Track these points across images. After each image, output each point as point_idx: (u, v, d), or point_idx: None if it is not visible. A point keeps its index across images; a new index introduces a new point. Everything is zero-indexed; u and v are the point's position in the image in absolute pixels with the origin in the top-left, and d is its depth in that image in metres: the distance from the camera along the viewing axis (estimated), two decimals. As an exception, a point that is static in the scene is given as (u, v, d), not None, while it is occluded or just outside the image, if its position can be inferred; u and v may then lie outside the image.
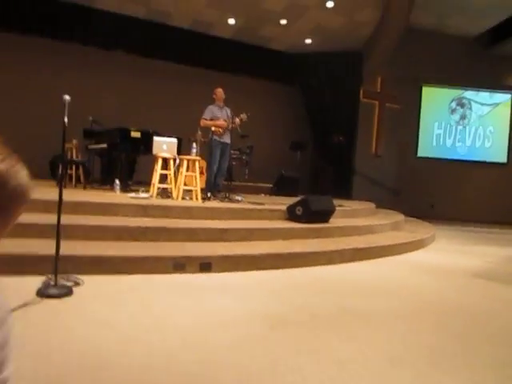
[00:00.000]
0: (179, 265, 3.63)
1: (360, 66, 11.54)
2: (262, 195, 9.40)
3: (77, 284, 3.10)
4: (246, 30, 10.57)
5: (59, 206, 3.07)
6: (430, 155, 12.82)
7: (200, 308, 2.86)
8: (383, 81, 12.06)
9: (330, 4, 9.46)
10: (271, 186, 9.72)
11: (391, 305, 3.24)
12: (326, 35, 10.74)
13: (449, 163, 12.82)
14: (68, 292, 2.88)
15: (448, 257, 5.75)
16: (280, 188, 9.47)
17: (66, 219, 3.42)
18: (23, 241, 3.62)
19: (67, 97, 2.82)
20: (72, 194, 4.81)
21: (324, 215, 5.68)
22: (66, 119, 2.80)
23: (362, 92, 11.79)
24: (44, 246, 3.47)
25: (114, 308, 2.74)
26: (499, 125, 12.91)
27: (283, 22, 10.23)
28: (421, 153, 12.83)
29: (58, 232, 3.02)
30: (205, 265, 3.74)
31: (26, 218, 3.81)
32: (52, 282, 2.91)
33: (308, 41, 11.16)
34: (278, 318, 2.76)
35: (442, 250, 6.39)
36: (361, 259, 4.86)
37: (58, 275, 2.95)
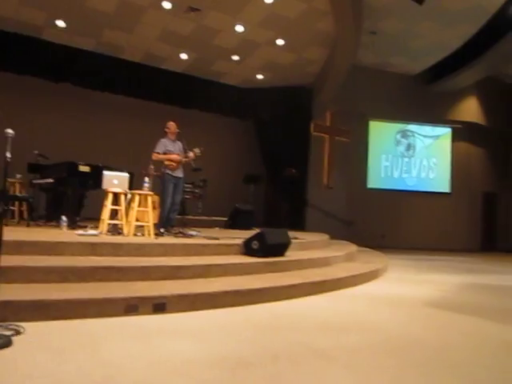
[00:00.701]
0: (131, 306, 3.42)
1: (310, 100, 11.91)
2: (217, 229, 9.28)
3: (17, 333, 2.82)
4: (198, 65, 10.66)
5: (-2, 247, 2.83)
6: (379, 186, 13.26)
7: (154, 353, 2.68)
8: (332, 115, 12.47)
9: (280, 42, 9.76)
10: (225, 219, 9.61)
11: (352, 341, 3.19)
12: (276, 71, 11.05)
13: (397, 194, 13.30)
14: (6, 342, 2.61)
15: (402, 287, 5.83)
16: (234, 221, 9.38)
17: (7, 260, 3.17)
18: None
19: (10, 130, 2.65)
20: (14, 233, 4.49)
21: (280, 248, 5.64)
22: (8, 154, 2.61)
23: (312, 126, 12.12)
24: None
25: (60, 358, 2.50)
26: (441, 157, 13.63)
27: (235, 57, 10.42)
28: (370, 184, 13.24)
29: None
30: (158, 305, 3.55)
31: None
32: (-12, 333, 2.64)
33: (260, 76, 11.42)
34: (238, 360, 2.63)
35: (396, 279, 6.48)
36: (318, 293, 4.82)
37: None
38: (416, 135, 13.60)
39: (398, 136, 13.53)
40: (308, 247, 7.10)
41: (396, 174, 13.49)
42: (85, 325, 3.15)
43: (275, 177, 11.73)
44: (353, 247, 8.39)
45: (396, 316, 4.11)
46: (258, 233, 5.43)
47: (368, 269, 6.23)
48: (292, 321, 3.71)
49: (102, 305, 3.35)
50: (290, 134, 11.77)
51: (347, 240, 10.61)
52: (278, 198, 12.04)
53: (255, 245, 5.37)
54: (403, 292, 5.42)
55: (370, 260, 7.63)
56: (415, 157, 13.58)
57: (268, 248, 5.33)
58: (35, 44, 9.17)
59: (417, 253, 11.68)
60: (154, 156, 6.19)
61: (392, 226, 13.06)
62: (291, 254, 5.87)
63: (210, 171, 10.11)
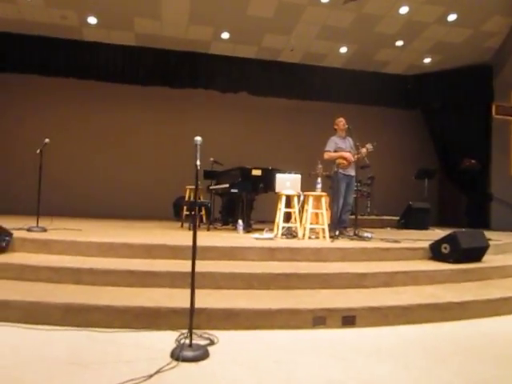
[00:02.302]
0: (319, 319, 3.18)
1: (490, 79, 10.35)
2: (388, 229, 8.66)
3: (211, 343, 2.80)
4: (359, 57, 10.14)
5: (193, 254, 2.85)
6: None
7: (356, 379, 2.36)
8: (519, 94, 10.66)
9: (452, 17, 8.66)
10: (397, 218, 8.90)
11: None
12: (447, 51, 9.86)
13: None
14: (204, 354, 2.58)
15: None
16: (408, 221, 8.62)
17: (196, 266, 3.22)
18: (153, 291, 3.50)
19: (199, 138, 2.62)
20: (198, 237, 4.68)
21: (476, 253, 4.83)
22: (198, 162, 2.58)
23: (494, 108, 10.51)
24: (176, 297, 3.29)
25: (257, 376, 2.36)
26: None
27: (399, 43, 9.61)
28: None
29: (193, 284, 2.78)
30: (348, 318, 3.23)
31: (155, 265, 3.71)
32: (187, 341, 2.64)
33: (427, 60, 10.34)
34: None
35: None
36: (534, 308, 3.95)
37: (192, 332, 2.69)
38: None
39: None
40: (504, 250, 6.04)
41: None
42: (273, 336, 3.01)
43: (451, 170, 10.50)
44: None
45: None
46: (450, 235, 4.73)
47: None
48: (508, 347, 3.02)
49: (289, 315, 3.17)
50: (467, 120, 10.40)
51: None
52: (456, 193, 10.76)
53: (446, 248, 4.69)
54: None
55: None
56: None
57: (462, 252, 4.60)
58: (209, 59, 9.81)
59: None
60: (326, 155, 5.94)
61: None
62: (488, 259, 5.01)
63: (378, 168, 9.51)
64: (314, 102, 10.64)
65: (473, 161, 9.82)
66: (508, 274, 4.76)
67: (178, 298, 3.24)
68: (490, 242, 5.71)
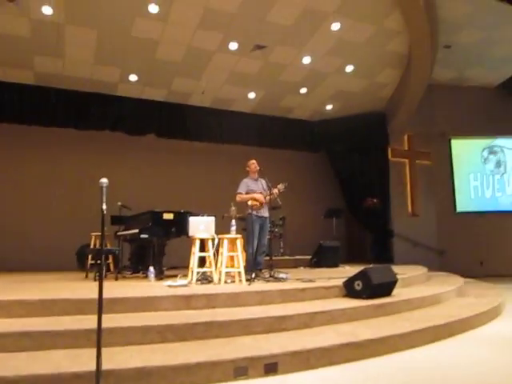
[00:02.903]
0: (240, 369, 2.99)
1: (384, 125, 11.29)
2: (302, 268, 8.78)
3: (122, 409, 2.48)
4: (266, 102, 10.51)
5: (99, 308, 2.55)
6: (471, 209, 12.10)
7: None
8: (410, 138, 11.74)
9: (349, 68, 9.39)
10: (310, 257, 9.08)
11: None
12: (346, 99, 10.64)
13: (491, 215, 12.04)
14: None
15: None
16: (319, 259, 8.83)
17: (103, 321, 2.89)
18: (53, 354, 3.07)
19: (105, 180, 2.40)
20: (105, 288, 4.29)
21: (386, 288, 5.01)
22: (104, 206, 2.35)
23: (390, 151, 11.43)
24: (80, 359, 2.91)
25: None
26: (539, 171, 12.27)
27: (303, 90, 10.16)
28: (460, 207, 12.12)
29: (99, 342, 2.48)
30: (270, 366, 3.08)
31: (55, 323, 3.28)
32: (93, 412, 2.31)
33: (329, 106, 11.04)
34: None
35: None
36: (442, 338, 4.12)
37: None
38: (505, 150, 12.41)
39: (485, 153, 12.40)
40: (410, 283, 6.36)
41: (488, 194, 12.29)
42: (193, 394, 2.75)
43: (356, 208, 11.07)
44: (458, 279, 7.48)
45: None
46: (361, 271, 4.86)
47: (489, 305, 5.37)
48: (431, 378, 3.07)
49: (209, 369, 2.94)
50: (367, 163, 11.17)
51: (439, 271, 9.65)
52: (361, 231, 11.33)
53: (358, 285, 4.80)
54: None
55: (482, 293, 6.70)
56: (507, 173, 12.34)
57: (373, 288, 4.73)
58: (112, 99, 9.48)
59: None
60: (238, 197, 5.90)
61: (489, 251, 11.75)
62: (396, 293, 5.21)
63: (288, 208, 9.72)
64: (225, 144, 10.74)
65: (375, 200, 10.43)
66: (415, 306, 4.97)
67: (82, 360, 2.87)
68: (397, 276, 6.00)
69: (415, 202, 11.53)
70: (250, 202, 5.86)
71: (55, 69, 8.49)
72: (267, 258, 6.53)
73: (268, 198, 5.97)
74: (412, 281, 6.48)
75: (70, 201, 9.63)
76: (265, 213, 6.02)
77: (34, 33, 7.38)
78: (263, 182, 6.13)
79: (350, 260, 10.63)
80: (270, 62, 8.92)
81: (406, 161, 11.65)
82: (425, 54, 8.82)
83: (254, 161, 6.18)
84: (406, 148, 11.72)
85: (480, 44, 9.75)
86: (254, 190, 5.98)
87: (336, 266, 8.77)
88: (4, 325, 3.40)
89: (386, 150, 11.39)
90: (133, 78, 9.04)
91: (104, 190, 2.41)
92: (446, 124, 11.86)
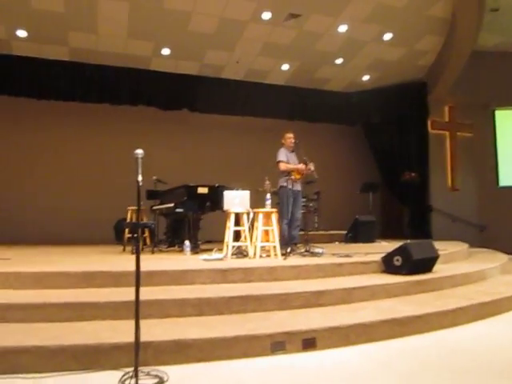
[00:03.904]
0: (278, 344, 2.95)
1: (424, 96, 10.79)
2: (337, 243, 8.66)
3: (161, 381, 2.48)
4: (300, 74, 10.23)
5: (137, 280, 2.54)
6: (515, 183, 11.55)
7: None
8: (451, 109, 11.20)
9: (387, 36, 8.96)
10: (345, 232, 8.93)
11: None
12: (384, 69, 10.19)
13: (537, 190, 11.47)
14: (152, 397, 2.27)
15: None
16: (355, 234, 8.66)
17: (140, 294, 2.90)
18: (93, 325, 3.12)
19: (140, 151, 2.35)
20: (142, 262, 4.33)
21: (427, 264, 4.84)
22: (140, 177, 2.30)
23: (429, 123, 10.97)
24: (119, 331, 2.94)
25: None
26: None
27: (339, 61, 9.81)
28: (503, 182, 11.59)
29: (138, 315, 2.47)
30: (308, 341, 3.03)
31: (95, 295, 3.33)
32: (132, 382, 2.31)
33: (366, 77, 10.64)
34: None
35: None
36: (488, 316, 3.96)
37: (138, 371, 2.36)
38: (555, 120, 11.69)
39: (533, 124, 11.74)
40: (451, 259, 6.15)
41: (534, 167, 11.68)
42: (230, 368, 2.73)
43: (393, 183, 10.76)
44: (502, 256, 7.19)
45: None
46: (401, 247, 4.71)
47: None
48: (475, 357, 2.94)
49: (246, 343, 2.91)
50: (405, 135, 10.77)
51: (480, 247, 9.32)
52: (398, 206, 11.03)
53: (398, 261, 4.66)
54: None
55: (528, 270, 6.41)
56: (557, 144, 11.64)
57: (413, 264, 4.58)
58: (142, 75, 9.44)
59: None
60: (283, 165, 5.78)
61: (534, 227, 11.27)
62: (437, 269, 5.04)
63: (323, 183, 9.56)
64: (258, 118, 10.58)
65: (413, 174, 10.12)
66: (458, 282, 4.79)
67: (121, 332, 2.90)
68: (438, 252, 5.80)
69: (455, 176, 11.10)
70: (287, 175, 5.74)
71: (89, 44, 8.49)
72: (302, 232, 6.45)
73: (308, 167, 5.85)
74: (453, 257, 6.27)
75: (107, 175, 9.79)
76: (298, 186, 5.91)
77: (67, 7, 7.37)
78: (295, 156, 5.99)
79: (387, 235, 10.39)
80: (305, 32, 8.60)
81: (447, 133, 11.16)
82: (470, 18, 8.30)
83: (291, 134, 6.04)
84: (447, 120, 11.21)
85: (531, 5, 9.09)
86: (289, 161, 5.85)
87: (372, 241, 8.60)
88: (47, 296, 3.48)
89: (425, 121, 10.92)
90: (165, 51, 8.94)
91: (139, 161, 2.36)
92: (490, 94, 11.22)
